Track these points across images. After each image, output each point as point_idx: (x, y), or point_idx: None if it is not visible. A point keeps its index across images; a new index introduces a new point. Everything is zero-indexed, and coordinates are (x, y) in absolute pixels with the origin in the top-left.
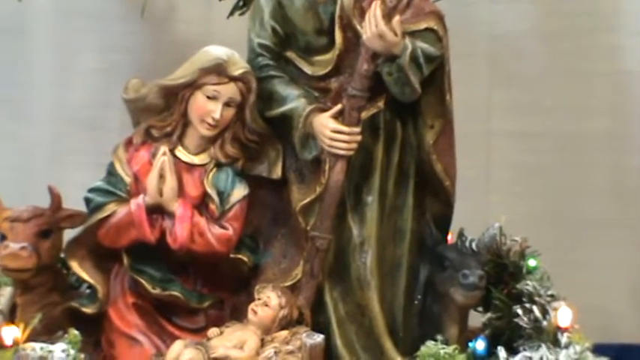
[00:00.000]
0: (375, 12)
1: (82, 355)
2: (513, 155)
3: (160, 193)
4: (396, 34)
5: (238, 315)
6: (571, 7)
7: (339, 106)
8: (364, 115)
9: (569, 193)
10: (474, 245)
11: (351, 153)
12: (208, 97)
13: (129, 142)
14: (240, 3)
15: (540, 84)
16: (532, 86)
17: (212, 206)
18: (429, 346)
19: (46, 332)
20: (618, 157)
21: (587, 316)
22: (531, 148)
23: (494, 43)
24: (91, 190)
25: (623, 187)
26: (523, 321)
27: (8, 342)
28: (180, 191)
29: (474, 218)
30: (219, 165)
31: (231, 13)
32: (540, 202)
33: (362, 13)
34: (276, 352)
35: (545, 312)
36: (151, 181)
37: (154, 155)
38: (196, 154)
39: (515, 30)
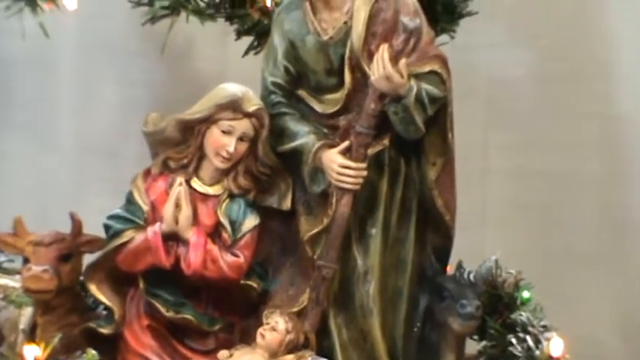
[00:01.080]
0: (382, 55)
1: None
2: (508, 192)
3: (176, 222)
4: (402, 76)
5: (247, 338)
6: (567, 54)
7: (346, 143)
8: (370, 151)
9: (561, 228)
10: (471, 277)
11: (357, 187)
12: (223, 132)
13: (147, 173)
14: (255, 43)
15: (535, 125)
16: (527, 127)
17: (225, 235)
18: None
19: (65, 351)
20: (607, 196)
21: (577, 348)
22: (525, 186)
23: (492, 86)
24: (110, 217)
25: (612, 224)
26: (517, 350)
27: None
28: (195, 220)
29: (471, 251)
30: (232, 196)
31: (246, 52)
32: (533, 237)
33: (370, 56)
34: None
35: (537, 342)
36: (168, 210)
37: (170, 185)
38: (211, 185)
39: (512, 74)
